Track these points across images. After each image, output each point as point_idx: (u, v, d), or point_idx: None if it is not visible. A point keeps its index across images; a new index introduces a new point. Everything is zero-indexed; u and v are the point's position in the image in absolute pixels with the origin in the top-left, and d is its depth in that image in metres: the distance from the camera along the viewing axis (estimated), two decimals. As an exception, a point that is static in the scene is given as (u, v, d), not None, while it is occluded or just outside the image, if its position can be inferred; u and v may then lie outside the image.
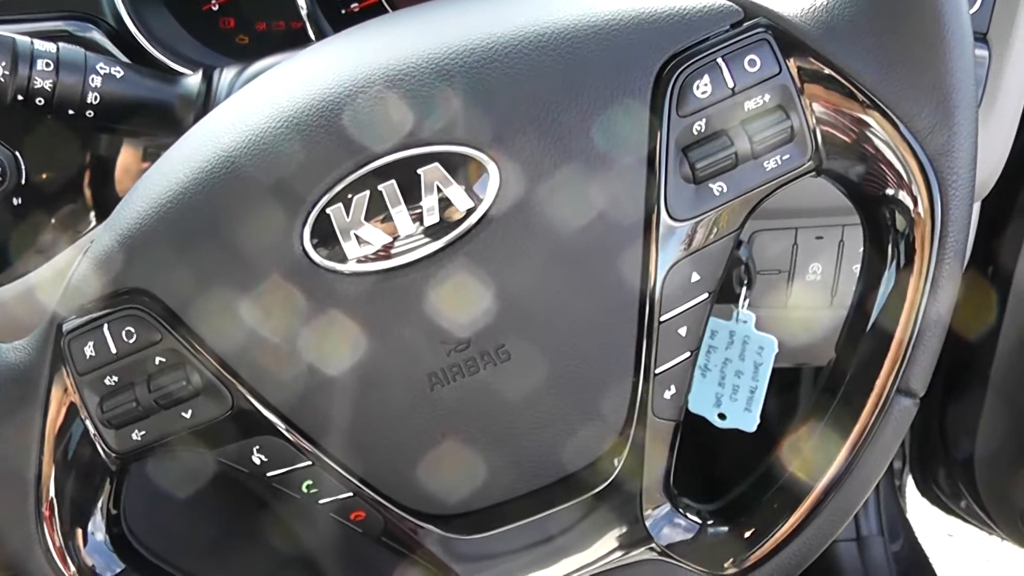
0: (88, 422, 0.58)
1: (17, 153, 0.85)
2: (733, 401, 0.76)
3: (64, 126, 0.84)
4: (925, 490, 1.50)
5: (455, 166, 0.55)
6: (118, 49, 0.86)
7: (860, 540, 1.42)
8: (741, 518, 0.63)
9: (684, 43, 0.56)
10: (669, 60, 0.56)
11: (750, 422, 0.74)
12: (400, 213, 0.55)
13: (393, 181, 0.55)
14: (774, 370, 0.76)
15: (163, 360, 0.57)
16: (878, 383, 0.59)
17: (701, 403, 0.76)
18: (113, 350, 0.57)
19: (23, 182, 0.85)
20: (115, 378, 0.57)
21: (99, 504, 0.61)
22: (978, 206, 0.88)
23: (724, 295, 0.76)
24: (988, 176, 0.84)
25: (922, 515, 1.55)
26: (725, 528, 0.63)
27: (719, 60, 0.55)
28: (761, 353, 0.75)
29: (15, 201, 0.85)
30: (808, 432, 0.61)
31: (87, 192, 0.87)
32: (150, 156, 0.85)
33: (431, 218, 0.55)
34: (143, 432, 0.58)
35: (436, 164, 0.55)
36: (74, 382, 0.57)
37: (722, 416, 0.76)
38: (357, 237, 0.55)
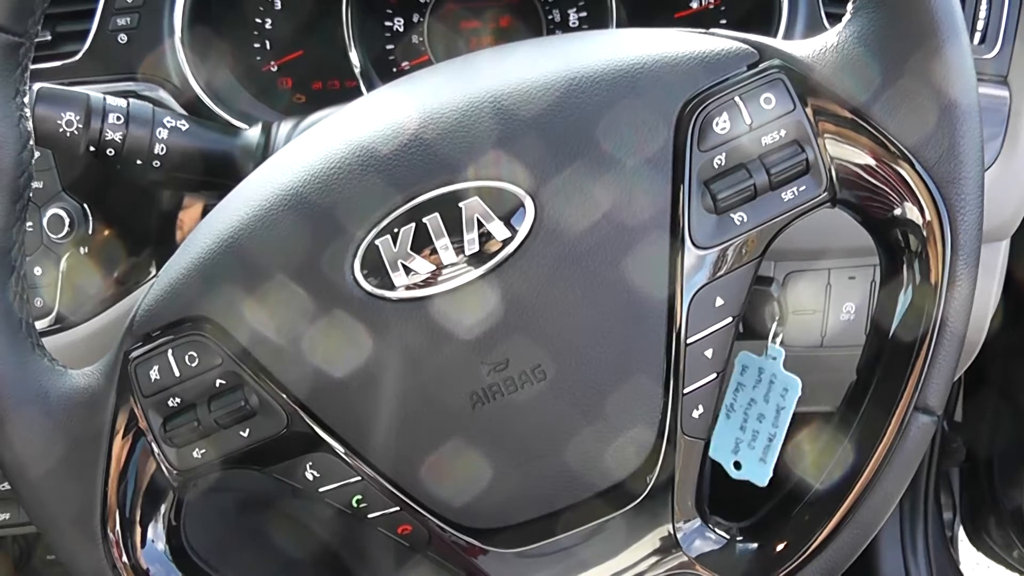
0: (152, 442, 0.62)
1: (85, 206, 0.91)
2: (751, 449, 0.74)
3: (129, 182, 0.90)
4: (977, 541, 1.49)
5: (493, 200, 0.59)
6: (182, 108, 0.91)
7: (910, 588, 1.41)
8: (770, 534, 0.65)
9: (704, 84, 0.60)
10: (690, 100, 0.60)
11: (763, 475, 0.74)
12: (443, 244, 0.59)
13: (437, 214, 0.59)
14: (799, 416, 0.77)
15: (223, 382, 0.61)
16: (896, 401, 0.61)
17: (721, 448, 0.76)
18: (176, 373, 0.61)
19: (90, 233, 0.91)
20: (178, 399, 0.61)
21: (160, 515, 0.64)
22: (1006, 244, 0.90)
23: (759, 333, 0.79)
24: (1014, 213, 0.86)
25: (980, 570, 1.53)
26: (755, 544, 0.65)
27: (736, 99, 0.59)
28: (784, 396, 0.74)
29: (82, 251, 0.91)
30: (831, 451, 0.63)
31: (150, 245, 0.92)
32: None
33: (471, 248, 0.59)
34: (203, 450, 0.62)
35: (476, 198, 0.59)
36: (139, 404, 0.61)
37: (737, 465, 0.76)
38: (404, 267, 0.59)
